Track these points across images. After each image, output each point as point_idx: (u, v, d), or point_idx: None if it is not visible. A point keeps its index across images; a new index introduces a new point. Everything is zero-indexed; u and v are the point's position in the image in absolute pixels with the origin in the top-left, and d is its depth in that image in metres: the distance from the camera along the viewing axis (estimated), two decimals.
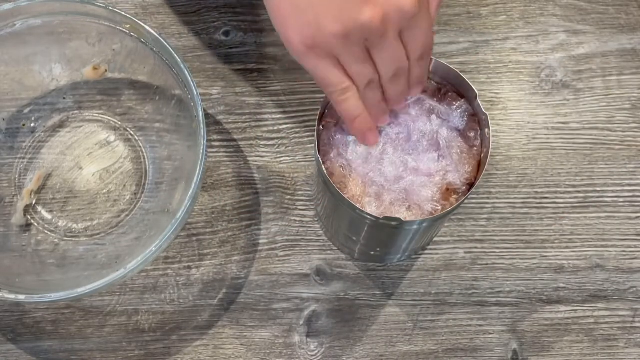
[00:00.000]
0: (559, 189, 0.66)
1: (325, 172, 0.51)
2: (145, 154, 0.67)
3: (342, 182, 0.53)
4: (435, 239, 0.65)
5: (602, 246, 0.65)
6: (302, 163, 0.67)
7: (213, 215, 0.65)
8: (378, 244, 0.59)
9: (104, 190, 0.66)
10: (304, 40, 0.47)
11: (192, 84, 0.59)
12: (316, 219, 0.65)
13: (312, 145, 0.67)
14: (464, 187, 0.53)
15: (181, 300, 0.64)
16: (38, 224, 0.65)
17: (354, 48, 0.47)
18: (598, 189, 0.66)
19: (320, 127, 0.54)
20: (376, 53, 0.48)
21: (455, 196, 0.52)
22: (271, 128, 0.68)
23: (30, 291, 0.56)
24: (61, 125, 0.67)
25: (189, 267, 0.64)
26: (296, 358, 0.63)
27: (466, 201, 0.54)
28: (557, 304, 0.64)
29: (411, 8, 0.46)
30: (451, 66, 0.52)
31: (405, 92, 0.51)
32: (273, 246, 0.65)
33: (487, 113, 0.51)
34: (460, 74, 0.51)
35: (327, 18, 0.46)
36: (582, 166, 0.67)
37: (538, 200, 0.66)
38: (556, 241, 0.65)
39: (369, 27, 0.46)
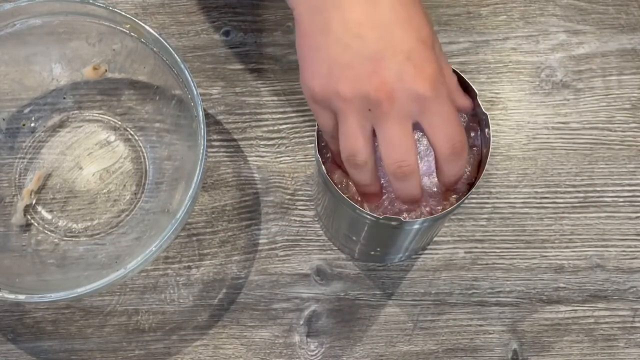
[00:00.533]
0: (559, 189, 0.66)
1: (325, 172, 0.51)
2: (145, 154, 0.67)
3: (342, 182, 0.53)
4: (435, 239, 0.65)
5: (602, 246, 0.65)
6: (302, 163, 0.67)
7: (213, 215, 0.65)
8: (378, 244, 0.59)
9: (104, 190, 0.66)
10: (313, 88, 0.47)
11: (192, 84, 0.59)
12: (316, 219, 0.65)
13: (312, 145, 0.67)
14: (464, 187, 0.53)
15: (181, 300, 0.64)
16: (38, 224, 0.65)
17: (354, 115, 0.46)
18: (598, 189, 0.66)
19: None
20: (378, 132, 0.47)
21: (455, 196, 0.52)
22: (271, 128, 0.68)
23: (30, 291, 0.56)
24: (61, 125, 0.67)
25: (189, 267, 0.64)
26: (296, 358, 0.63)
27: (466, 201, 0.54)
28: (557, 304, 0.64)
29: (422, 91, 0.45)
30: (451, 66, 0.52)
31: (415, 197, 0.50)
32: (273, 246, 0.65)
33: (487, 113, 0.51)
34: (460, 73, 0.51)
35: (337, 77, 0.46)
36: (582, 166, 0.67)
37: (538, 200, 0.66)
38: (556, 241, 0.65)
39: (373, 99, 0.45)
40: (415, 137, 0.53)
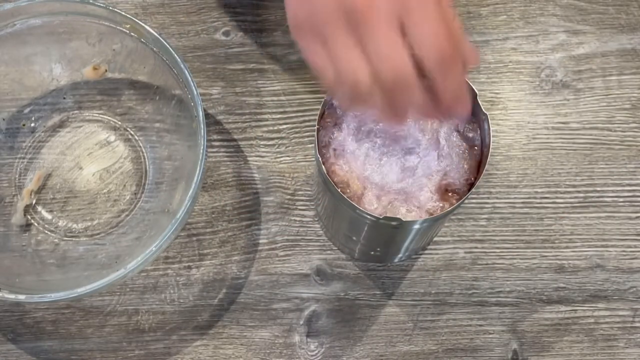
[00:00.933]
0: (559, 189, 0.66)
1: (325, 172, 0.51)
2: (145, 154, 0.67)
3: (342, 182, 0.53)
4: (435, 239, 0.65)
5: (602, 246, 0.65)
6: (302, 163, 0.67)
7: (213, 215, 0.65)
8: (378, 244, 0.59)
9: (104, 190, 0.66)
10: (296, 13, 0.44)
11: (192, 84, 0.59)
12: (316, 219, 0.65)
13: (312, 145, 0.67)
14: (464, 187, 0.53)
15: (181, 300, 0.64)
16: (38, 224, 0.65)
17: (341, 33, 0.42)
18: (598, 189, 0.66)
19: (320, 127, 0.54)
20: (366, 45, 0.42)
21: (455, 196, 0.52)
22: (271, 128, 0.68)
23: (30, 291, 0.56)
24: (61, 125, 0.67)
25: (189, 267, 0.64)
26: (296, 358, 0.63)
27: (466, 201, 0.54)
28: (557, 304, 0.64)
29: None
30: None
31: (417, 105, 0.45)
32: (273, 246, 0.65)
33: (487, 113, 0.51)
34: None
35: None
36: (582, 166, 0.67)
37: (538, 200, 0.66)
38: (556, 241, 0.65)
39: (353, 8, 0.41)
40: (415, 137, 0.53)
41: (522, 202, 0.66)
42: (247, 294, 0.64)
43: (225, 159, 0.67)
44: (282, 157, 0.67)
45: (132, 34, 0.61)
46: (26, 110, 0.67)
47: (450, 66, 0.43)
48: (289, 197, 0.66)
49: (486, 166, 0.51)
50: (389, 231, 0.53)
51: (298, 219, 0.65)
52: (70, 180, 0.66)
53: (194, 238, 0.65)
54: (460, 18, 0.71)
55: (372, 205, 0.52)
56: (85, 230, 0.65)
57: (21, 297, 0.55)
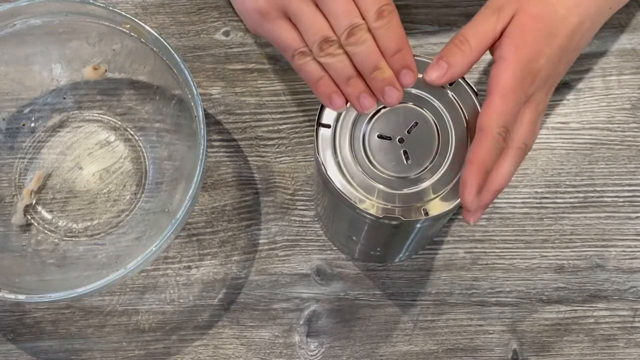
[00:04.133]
0: (559, 189, 0.66)
1: (325, 172, 0.51)
2: (145, 154, 0.67)
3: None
4: (435, 239, 0.65)
5: (602, 246, 0.65)
6: (302, 163, 0.67)
7: (213, 215, 0.66)
8: (378, 244, 0.59)
9: (104, 190, 0.66)
10: (258, 6, 0.50)
11: (192, 84, 0.59)
12: (316, 219, 0.65)
13: (312, 145, 0.67)
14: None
15: (181, 300, 0.64)
16: (38, 224, 0.65)
17: (302, 4, 0.48)
18: (598, 189, 0.66)
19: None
20: (323, 9, 0.48)
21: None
22: (271, 128, 0.68)
23: (30, 291, 0.56)
24: (61, 125, 0.67)
25: (189, 267, 0.64)
26: (296, 358, 0.63)
27: None
28: (557, 304, 0.64)
29: None
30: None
31: (375, 64, 0.49)
32: (273, 246, 0.65)
33: None
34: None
35: None
36: (582, 166, 0.67)
37: (538, 200, 0.66)
38: (556, 241, 0.65)
39: None
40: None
41: (522, 202, 0.66)
42: (247, 294, 0.64)
43: (225, 159, 0.67)
44: (282, 157, 0.67)
45: (132, 34, 0.61)
46: (26, 110, 0.67)
47: (389, 17, 0.47)
48: (289, 197, 0.66)
49: None
50: (389, 231, 0.53)
51: (298, 219, 0.65)
52: (70, 180, 0.66)
53: (194, 238, 0.65)
54: (460, 19, 0.71)
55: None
56: (85, 230, 0.65)
57: (21, 297, 0.55)
